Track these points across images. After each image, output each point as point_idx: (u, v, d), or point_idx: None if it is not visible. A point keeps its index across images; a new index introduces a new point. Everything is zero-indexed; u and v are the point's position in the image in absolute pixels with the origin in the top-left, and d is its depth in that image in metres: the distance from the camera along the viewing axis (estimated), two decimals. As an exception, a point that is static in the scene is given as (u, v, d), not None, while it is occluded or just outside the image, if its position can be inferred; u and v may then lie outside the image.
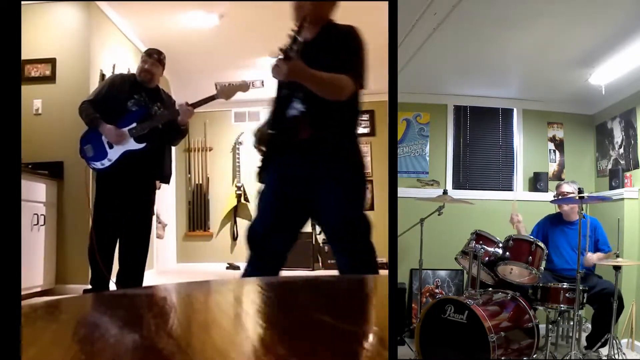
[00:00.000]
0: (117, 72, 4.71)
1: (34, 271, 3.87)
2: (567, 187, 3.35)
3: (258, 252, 2.22)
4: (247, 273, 2.25)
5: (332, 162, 2.13)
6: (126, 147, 3.32)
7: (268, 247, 2.20)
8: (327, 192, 2.13)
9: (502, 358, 2.51)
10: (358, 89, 2.15)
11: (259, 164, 2.27)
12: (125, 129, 3.32)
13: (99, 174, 3.44)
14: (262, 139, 2.24)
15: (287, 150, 2.19)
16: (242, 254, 7.63)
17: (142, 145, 3.33)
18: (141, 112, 3.38)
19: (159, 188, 3.93)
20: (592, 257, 3.12)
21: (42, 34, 4.49)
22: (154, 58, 3.52)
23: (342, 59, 2.13)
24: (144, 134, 3.33)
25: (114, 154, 3.33)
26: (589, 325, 2.96)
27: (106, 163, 3.34)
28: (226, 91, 3.46)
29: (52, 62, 4.46)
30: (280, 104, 2.24)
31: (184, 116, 3.42)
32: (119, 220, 3.39)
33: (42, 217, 3.98)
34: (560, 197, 3.32)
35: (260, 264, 2.22)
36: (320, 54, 2.17)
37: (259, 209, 2.26)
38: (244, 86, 3.49)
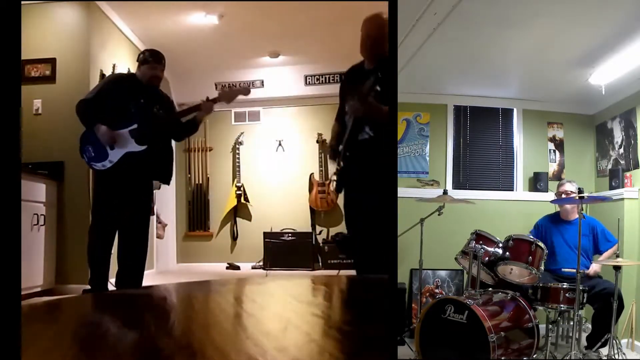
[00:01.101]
0: (117, 72, 4.71)
1: (34, 271, 3.87)
2: (569, 186, 3.35)
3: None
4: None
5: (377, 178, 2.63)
6: (127, 148, 3.30)
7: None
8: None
9: (502, 358, 2.51)
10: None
11: (336, 177, 2.90)
12: (125, 130, 3.30)
13: (98, 175, 3.41)
14: (335, 154, 2.84)
15: (357, 166, 2.74)
16: (242, 254, 7.63)
17: (142, 148, 3.31)
18: (142, 114, 3.35)
19: (159, 188, 3.92)
20: (596, 267, 3.12)
21: (42, 34, 4.48)
22: (163, 64, 3.51)
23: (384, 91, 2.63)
24: (145, 135, 3.32)
25: (114, 155, 3.31)
26: (589, 325, 2.95)
27: (107, 164, 3.31)
28: (227, 95, 3.48)
29: (52, 62, 4.46)
30: (355, 125, 2.73)
31: (205, 111, 3.49)
32: (118, 221, 3.38)
33: (42, 217, 3.98)
34: (562, 195, 3.32)
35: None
36: (375, 83, 2.66)
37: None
38: (246, 90, 3.50)
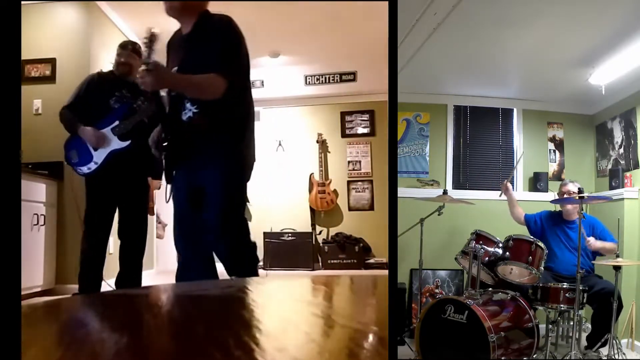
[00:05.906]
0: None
1: (34, 271, 3.87)
2: (571, 187, 3.35)
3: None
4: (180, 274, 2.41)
5: (216, 156, 2.19)
6: (110, 147, 3.20)
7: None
8: (211, 187, 2.22)
9: (502, 358, 2.51)
10: (235, 85, 2.15)
11: (165, 165, 2.34)
12: (107, 129, 3.21)
13: (87, 178, 3.31)
14: (160, 142, 2.30)
15: (184, 151, 2.26)
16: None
17: (126, 144, 3.21)
18: (124, 109, 3.24)
19: (159, 188, 3.90)
20: (594, 242, 3.11)
21: (42, 34, 4.48)
22: (129, 49, 3.41)
23: (214, 55, 2.14)
24: (128, 130, 3.21)
25: (99, 156, 3.21)
26: (589, 325, 2.95)
27: (92, 167, 3.22)
28: None
29: (52, 62, 4.46)
30: (174, 106, 2.27)
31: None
32: (110, 225, 3.32)
33: (42, 217, 3.98)
34: (564, 195, 3.32)
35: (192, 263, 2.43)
36: (196, 49, 2.21)
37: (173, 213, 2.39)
38: None
